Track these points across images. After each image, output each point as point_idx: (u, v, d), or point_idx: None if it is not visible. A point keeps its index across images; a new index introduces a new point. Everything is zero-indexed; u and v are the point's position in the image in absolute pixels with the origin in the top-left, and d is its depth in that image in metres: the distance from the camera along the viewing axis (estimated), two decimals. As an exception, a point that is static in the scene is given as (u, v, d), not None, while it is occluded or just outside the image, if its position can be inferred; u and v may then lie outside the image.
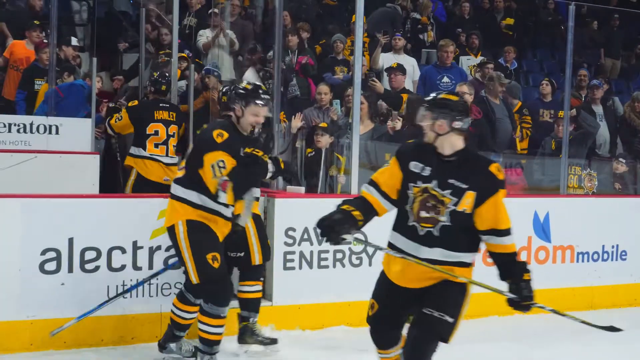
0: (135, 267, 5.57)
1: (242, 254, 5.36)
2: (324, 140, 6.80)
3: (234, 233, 5.12)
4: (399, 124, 7.32)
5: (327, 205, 6.07)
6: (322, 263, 6.16)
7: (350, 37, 9.77)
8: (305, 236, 6.07)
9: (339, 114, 7.19)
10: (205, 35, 9.20)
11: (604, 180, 8.46)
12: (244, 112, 4.92)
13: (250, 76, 7.91)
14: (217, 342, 5.06)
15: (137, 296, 5.58)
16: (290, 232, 6.03)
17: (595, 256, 7.30)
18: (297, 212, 6.10)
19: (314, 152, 6.86)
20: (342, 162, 6.78)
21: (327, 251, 6.14)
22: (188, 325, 5.24)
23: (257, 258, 5.42)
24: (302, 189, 6.44)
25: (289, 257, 6.04)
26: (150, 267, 5.61)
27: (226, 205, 4.84)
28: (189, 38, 9.17)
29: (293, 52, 8.84)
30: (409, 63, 9.19)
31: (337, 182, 6.59)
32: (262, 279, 5.57)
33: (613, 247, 7.38)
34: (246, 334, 5.51)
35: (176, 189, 4.95)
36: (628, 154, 8.95)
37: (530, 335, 6.28)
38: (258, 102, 4.91)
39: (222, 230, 5.00)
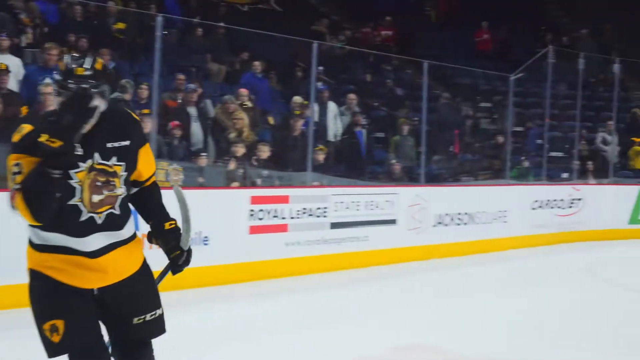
0: None
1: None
2: None
3: (178, 265, 3.71)
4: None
5: None
6: None
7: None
8: None
9: None
10: None
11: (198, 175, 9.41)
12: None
13: None
14: None
15: None
16: None
17: (181, 243, 8.19)
18: None
19: None
20: None
21: None
22: None
23: None
24: None
25: None
26: None
27: (81, 235, 3.39)
28: None
29: None
30: (14, 63, 9.48)
31: None
32: None
33: (197, 233, 8.33)
34: None
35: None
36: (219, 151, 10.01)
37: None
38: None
39: (88, 277, 3.46)
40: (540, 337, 6.65)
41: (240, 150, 9.33)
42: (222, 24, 15.14)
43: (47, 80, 8.91)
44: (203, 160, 9.04)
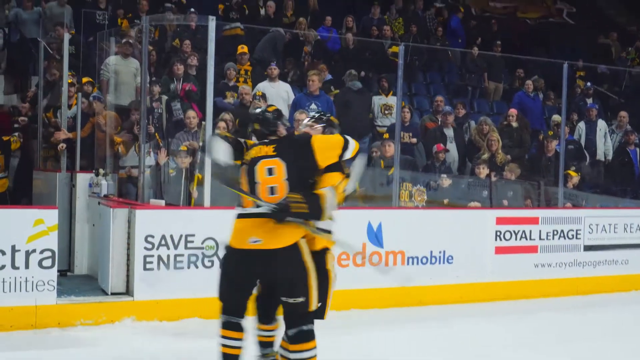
0: (14, 267, 6.67)
1: None
2: (185, 161, 7.91)
3: None
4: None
5: (184, 216, 7.32)
6: (178, 265, 7.32)
7: (239, 65, 10.96)
8: (163, 242, 7.24)
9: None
10: (113, 63, 9.79)
11: (447, 194, 9.64)
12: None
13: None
14: None
15: (13, 290, 6.68)
16: (149, 239, 7.19)
17: (424, 260, 8.55)
18: (157, 222, 7.29)
19: (175, 172, 7.95)
20: (195, 179, 7.81)
21: (182, 255, 7.31)
22: None
23: None
24: (162, 202, 7.58)
25: (148, 259, 7.20)
26: (27, 266, 6.71)
27: None
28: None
29: (179, 79, 9.91)
30: (283, 89, 10.34)
31: (190, 197, 7.67)
32: None
33: (440, 252, 8.63)
34: None
35: None
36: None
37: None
38: None
39: None
40: None
41: (483, 172, 9.42)
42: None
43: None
44: (446, 182, 9.27)
